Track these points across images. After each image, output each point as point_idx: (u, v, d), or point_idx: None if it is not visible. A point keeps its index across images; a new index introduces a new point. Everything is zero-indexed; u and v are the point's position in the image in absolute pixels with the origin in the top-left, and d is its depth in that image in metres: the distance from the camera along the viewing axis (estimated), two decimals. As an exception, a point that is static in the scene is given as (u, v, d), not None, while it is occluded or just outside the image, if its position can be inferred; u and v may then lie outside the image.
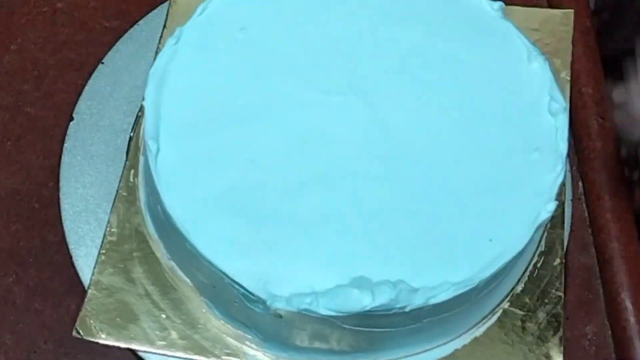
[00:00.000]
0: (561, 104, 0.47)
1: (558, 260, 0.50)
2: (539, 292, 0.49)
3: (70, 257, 0.52)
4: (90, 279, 0.48)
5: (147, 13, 0.61)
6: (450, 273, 0.42)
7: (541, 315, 0.48)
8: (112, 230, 0.49)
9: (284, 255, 0.43)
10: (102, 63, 0.59)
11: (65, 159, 0.55)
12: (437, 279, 0.42)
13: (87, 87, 0.58)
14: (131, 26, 0.60)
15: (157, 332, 0.47)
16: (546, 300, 0.48)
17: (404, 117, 0.47)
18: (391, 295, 0.40)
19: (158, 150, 0.45)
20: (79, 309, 0.48)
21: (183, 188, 0.45)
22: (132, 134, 0.54)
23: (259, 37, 0.50)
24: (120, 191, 0.51)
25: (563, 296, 0.49)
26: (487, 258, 0.43)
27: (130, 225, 0.50)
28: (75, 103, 0.58)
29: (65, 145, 0.56)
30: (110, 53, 0.59)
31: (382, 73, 0.49)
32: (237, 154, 0.46)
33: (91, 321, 0.47)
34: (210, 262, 0.43)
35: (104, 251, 0.49)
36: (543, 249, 0.50)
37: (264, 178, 0.45)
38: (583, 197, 0.59)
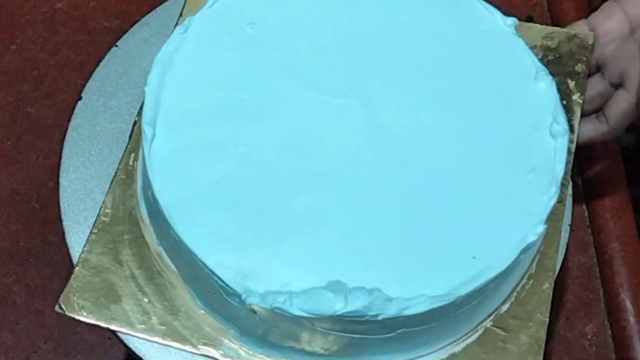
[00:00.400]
0: (563, 126, 0.46)
1: (547, 285, 0.49)
2: (524, 314, 0.48)
3: (70, 255, 0.52)
4: (79, 257, 0.48)
5: (147, 13, 0.61)
6: (429, 286, 0.42)
7: (523, 337, 0.47)
8: (106, 211, 0.49)
9: (266, 252, 0.43)
10: (116, 46, 0.58)
11: (65, 155, 0.55)
12: (414, 290, 0.41)
13: (98, 69, 0.58)
14: (131, 26, 0.60)
15: (138, 316, 0.47)
16: (530, 324, 0.47)
17: (403, 125, 0.47)
18: (365, 302, 0.40)
19: (154, 136, 0.45)
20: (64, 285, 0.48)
21: (174, 176, 0.45)
22: (136, 118, 0.54)
23: (266, 33, 0.50)
24: (118, 173, 0.51)
25: (547, 321, 0.48)
26: (468, 275, 0.42)
27: (125, 207, 0.50)
28: (76, 102, 0.58)
29: (70, 123, 0.56)
30: (125, 36, 0.59)
31: (385, 79, 0.49)
32: (232, 147, 0.46)
33: (75, 298, 0.47)
34: (191, 251, 0.43)
35: (95, 231, 0.49)
36: (534, 271, 0.49)
37: (257, 174, 0.45)
38: (583, 197, 0.59)
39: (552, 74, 0.49)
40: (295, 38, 0.49)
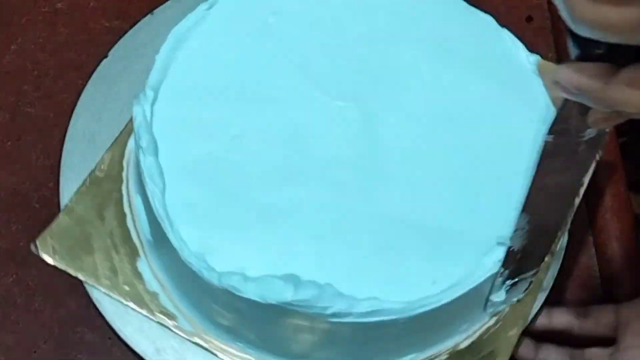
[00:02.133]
0: None
1: (514, 331, 0.49)
2: (484, 357, 0.48)
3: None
4: (66, 205, 0.50)
5: (147, 13, 0.61)
6: (382, 293, 0.42)
7: None
8: (102, 167, 0.51)
9: (233, 234, 0.44)
10: (106, 58, 0.58)
11: (66, 154, 0.56)
12: (367, 293, 0.42)
13: (89, 84, 0.58)
14: (131, 26, 0.60)
15: (107, 272, 0.49)
16: None
17: (397, 139, 0.47)
18: (314, 293, 0.41)
19: (154, 100, 0.46)
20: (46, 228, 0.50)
21: (162, 143, 0.45)
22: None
23: (286, 25, 0.50)
24: (122, 134, 0.51)
25: None
26: (421, 294, 0.42)
27: (120, 168, 0.51)
28: (76, 102, 0.58)
29: (66, 140, 0.56)
30: (113, 49, 0.59)
31: (391, 91, 0.48)
32: (225, 128, 0.46)
33: (51, 241, 0.49)
34: (162, 218, 0.43)
35: (87, 184, 0.51)
36: (504, 314, 0.49)
37: (243, 158, 0.46)
38: (583, 197, 0.59)
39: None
40: (313, 35, 0.50)
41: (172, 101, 0.47)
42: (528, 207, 0.42)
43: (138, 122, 0.45)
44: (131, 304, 0.48)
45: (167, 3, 0.61)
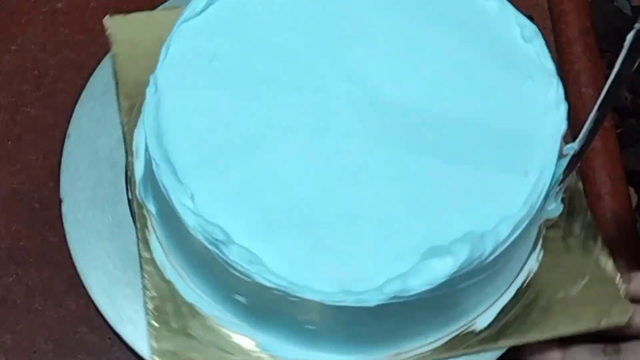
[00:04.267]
0: (532, 29, 0.49)
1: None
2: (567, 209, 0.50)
3: (70, 255, 0.52)
4: (152, 350, 0.47)
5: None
6: (503, 210, 0.43)
7: (576, 228, 0.50)
8: (151, 294, 0.48)
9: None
10: (106, 58, 0.58)
11: (66, 153, 0.55)
12: (494, 218, 0.43)
13: (89, 83, 0.58)
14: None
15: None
16: (576, 214, 0.50)
17: (393, 74, 0.47)
18: (467, 249, 0.41)
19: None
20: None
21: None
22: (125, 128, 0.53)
23: (233, 59, 0.49)
24: (142, 254, 0.49)
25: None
26: (528, 189, 0.44)
27: (166, 283, 0.49)
28: (76, 102, 0.58)
29: (66, 140, 0.56)
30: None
31: (382, 59, 0.48)
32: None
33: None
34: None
35: (152, 319, 0.48)
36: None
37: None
38: (583, 197, 0.59)
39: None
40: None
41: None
42: (606, 102, 0.41)
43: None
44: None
45: (167, 3, 0.61)
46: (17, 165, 0.58)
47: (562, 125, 0.46)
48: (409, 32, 0.49)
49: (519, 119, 0.46)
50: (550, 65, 0.48)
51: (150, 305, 0.48)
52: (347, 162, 0.45)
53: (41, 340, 0.53)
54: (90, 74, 0.58)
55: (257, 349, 0.47)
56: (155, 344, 0.47)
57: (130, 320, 0.50)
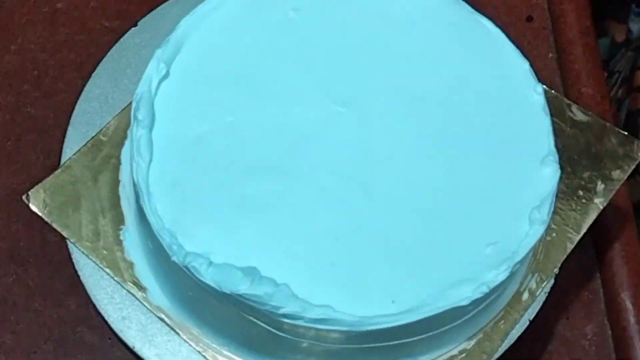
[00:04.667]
0: (542, 217, 0.44)
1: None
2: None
3: (70, 255, 0.52)
4: (65, 161, 0.51)
5: (147, 13, 0.61)
6: (339, 302, 0.41)
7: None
8: (107, 131, 0.52)
9: (205, 218, 0.44)
10: (106, 58, 0.59)
11: (66, 153, 0.55)
12: (323, 300, 0.41)
13: (89, 83, 0.58)
14: (131, 26, 0.60)
15: (90, 234, 0.50)
16: None
17: (390, 149, 0.47)
18: (268, 290, 0.41)
19: (165, 76, 0.47)
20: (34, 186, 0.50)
21: (159, 119, 0.46)
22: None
23: (306, 22, 0.50)
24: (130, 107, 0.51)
25: None
26: (377, 311, 0.42)
27: (123, 136, 0.52)
28: (76, 102, 0.58)
29: (66, 140, 0.56)
30: (114, 48, 0.59)
31: (392, 101, 0.48)
32: (221, 113, 0.47)
33: (44, 195, 0.50)
34: (141, 190, 0.44)
35: (89, 145, 0.52)
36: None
37: (234, 146, 0.46)
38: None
39: (561, 166, 0.46)
40: (328, 35, 0.50)
41: (177, 79, 0.47)
42: None
43: (140, 94, 0.46)
44: (107, 270, 0.49)
45: (167, 3, 0.61)
46: (17, 165, 0.58)
47: (463, 302, 0.42)
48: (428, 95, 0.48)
49: (445, 256, 0.44)
50: (519, 254, 0.44)
51: (98, 136, 0.52)
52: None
53: (41, 340, 0.53)
54: (90, 74, 0.58)
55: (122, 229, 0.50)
56: (70, 161, 0.51)
57: (130, 320, 0.50)
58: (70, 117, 0.57)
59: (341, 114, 0.47)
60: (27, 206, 0.56)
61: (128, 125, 0.51)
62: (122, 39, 0.60)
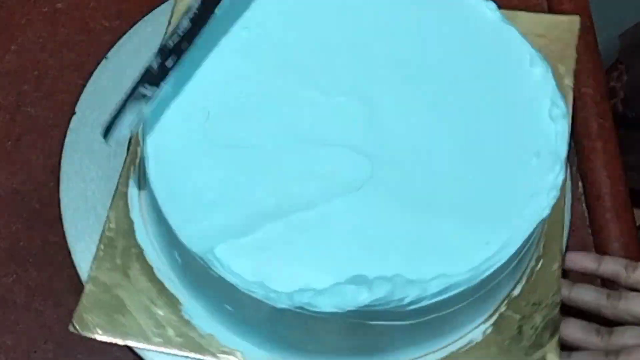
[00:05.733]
0: (562, 110, 0.46)
1: (556, 265, 0.49)
2: (536, 296, 0.48)
3: (70, 255, 0.52)
4: (88, 275, 0.49)
5: (147, 13, 0.61)
6: (446, 269, 0.42)
7: (538, 319, 0.48)
8: (111, 226, 0.50)
9: (279, 253, 0.42)
10: (106, 58, 0.59)
11: (66, 153, 0.56)
12: (433, 272, 0.41)
13: (89, 83, 0.58)
14: (131, 26, 0.60)
15: (154, 329, 0.47)
16: (543, 305, 0.48)
17: (402, 122, 0.46)
18: (387, 289, 0.40)
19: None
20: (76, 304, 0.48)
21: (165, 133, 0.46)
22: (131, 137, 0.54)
23: (269, 32, 0.49)
24: (120, 187, 0.51)
25: (560, 301, 0.48)
26: (483, 257, 0.42)
27: (129, 221, 0.50)
28: (76, 102, 0.58)
29: (66, 140, 0.56)
30: (114, 48, 0.59)
31: (385, 78, 0.48)
32: (236, 143, 0.46)
33: (88, 316, 0.47)
34: (210, 260, 0.42)
35: (102, 247, 0.49)
36: (540, 253, 0.50)
37: (254, 169, 0.44)
38: (583, 197, 0.59)
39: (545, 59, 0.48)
40: (300, 37, 0.49)
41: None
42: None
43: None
44: (191, 354, 0.47)
45: (167, 3, 0.61)
46: (17, 165, 0.58)
47: (544, 212, 0.44)
48: (434, 88, 0.48)
49: (506, 193, 0.45)
50: (562, 151, 0.46)
51: (105, 234, 0.49)
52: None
53: (41, 340, 0.53)
54: (90, 74, 0.58)
55: (182, 308, 0.48)
56: (92, 271, 0.48)
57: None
58: (70, 117, 0.57)
59: (344, 104, 0.47)
60: (27, 206, 0.56)
61: (127, 209, 0.50)
62: (122, 39, 0.60)
